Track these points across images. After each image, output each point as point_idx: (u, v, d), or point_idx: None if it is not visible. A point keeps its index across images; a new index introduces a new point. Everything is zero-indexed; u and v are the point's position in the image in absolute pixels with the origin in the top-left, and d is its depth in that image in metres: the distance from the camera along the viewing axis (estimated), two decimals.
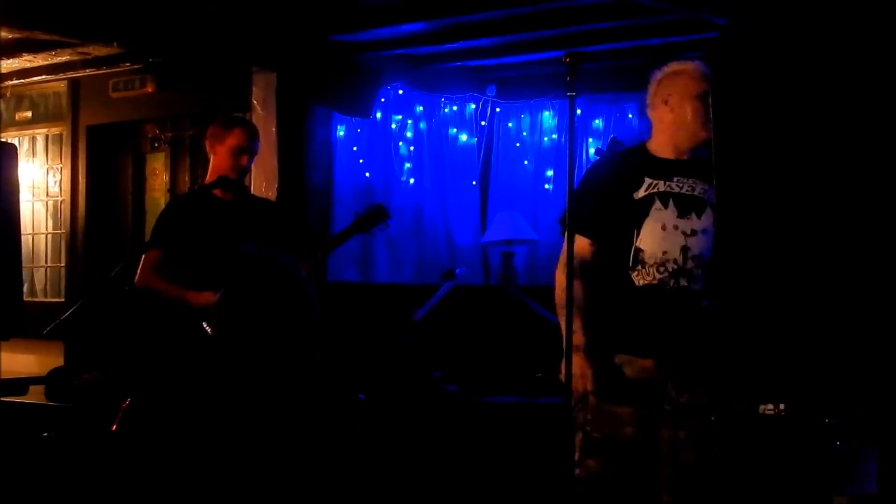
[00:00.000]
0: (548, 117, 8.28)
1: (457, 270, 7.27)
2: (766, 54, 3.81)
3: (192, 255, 5.34)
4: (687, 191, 4.09)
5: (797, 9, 3.81)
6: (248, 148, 5.42)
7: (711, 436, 3.92)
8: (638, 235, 4.09)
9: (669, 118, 4.20)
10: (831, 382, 3.66)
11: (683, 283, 4.03)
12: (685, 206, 4.08)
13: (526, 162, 8.32)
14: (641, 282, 4.08)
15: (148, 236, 5.88)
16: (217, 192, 5.39)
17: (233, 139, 5.39)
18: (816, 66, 3.70)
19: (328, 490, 3.10)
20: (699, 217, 4.06)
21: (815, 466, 3.71)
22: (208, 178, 5.51)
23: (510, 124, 8.40)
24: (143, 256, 5.35)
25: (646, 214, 4.09)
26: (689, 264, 4.03)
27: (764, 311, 3.72)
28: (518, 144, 8.36)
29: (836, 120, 3.67)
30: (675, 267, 4.03)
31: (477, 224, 8.38)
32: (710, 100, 4.08)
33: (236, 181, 5.45)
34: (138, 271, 5.34)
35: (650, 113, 4.28)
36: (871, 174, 3.60)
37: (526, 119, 8.37)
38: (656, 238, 4.06)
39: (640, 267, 4.08)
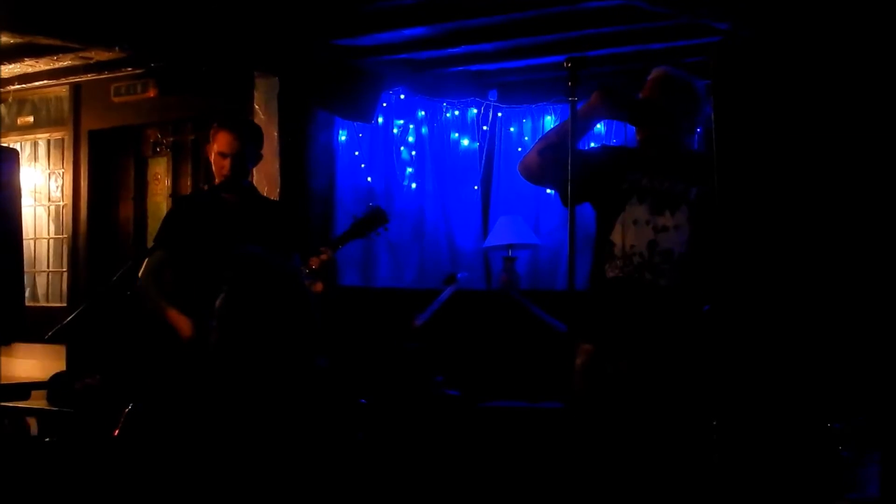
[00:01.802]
0: (549, 122, 8.28)
1: (458, 275, 7.26)
2: (766, 58, 3.82)
3: (193, 255, 5.33)
4: (667, 188, 4.13)
5: (797, 13, 3.82)
6: (231, 153, 5.24)
7: (694, 441, 3.94)
8: (612, 228, 4.17)
9: None
10: (833, 388, 3.66)
11: (648, 276, 4.08)
12: (661, 202, 4.13)
13: None
14: (610, 274, 4.15)
15: (150, 241, 5.87)
16: (222, 192, 5.35)
17: (217, 144, 5.30)
18: (817, 70, 3.70)
19: (330, 495, 3.10)
20: (673, 214, 4.11)
21: (817, 471, 3.71)
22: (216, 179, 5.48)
23: (512, 129, 8.40)
24: (147, 258, 5.35)
25: (622, 209, 4.17)
26: (656, 259, 4.09)
27: (765, 317, 3.72)
28: (520, 149, 8.34)
29: (836, 124, 3.68)
30: (641, 260, 4.09)
31: (479, 229, 8.38)
32: (652, 99, 4.17)
33: (232, 184, 5.32)
34: (140, 273, 5.34)
35: None
36: (872, 178, 3.61)
37: (528, 124, 8.36)
38: (626, 232, 4.14)
39: (610, 259, 4.16)
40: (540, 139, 4.24)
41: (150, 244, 5.67)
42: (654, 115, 4.18)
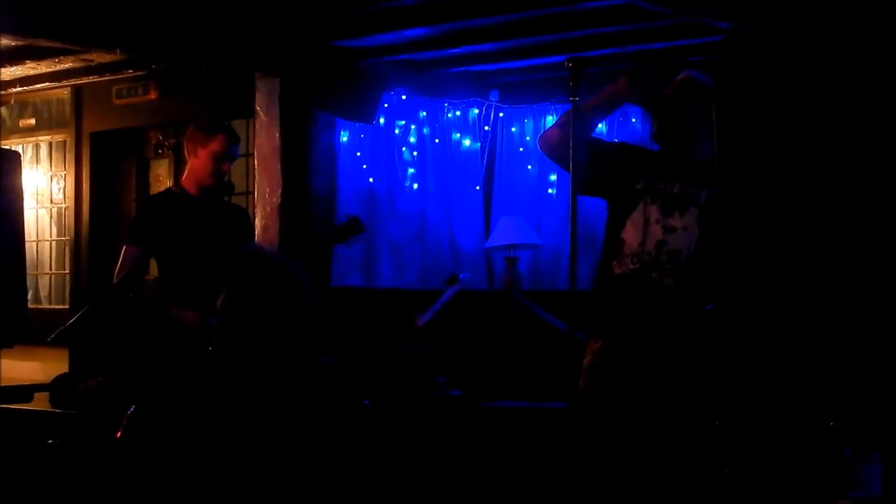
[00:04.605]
0: (551, 122, 8.27)
1: (460, 275, 7.26)
2: (768, 57, 3.82)
3: (173, 255, 5.38)
4: (679, 190, 4.17)
5: (799, 12, 3.82)
6: (229, 154, 5.47)
7: (697, 439, 3.96)
8: (623, 226, 4.21)
9: None
10: (835, 387, 3.66)
11: (654, 275, 4.12)
12: (671, 204, 4.18)
13: (529, 167, 8.32)
14: (618, 270, 4.20)
15: None
16: (192, 192, 5.44)
17: (215, 144, 5.41)
18: (818, 69, 3.70)
19: (332, 495, 3.10)
20: (682, 215, 4.15)
21: (819, 470, 3.71)
22: (185, 178, 5.55)
23: (513, 129, 8.40)
24: (122, 253, 5.41)
25: (634, 207, 4.21)
26: (663, 258, 4.13)
27: (766, 316, 3.72)
28: (521, 149, 8.35)
29: (838, 123, 3.67)
30: (648, 259, 4.13)
31: (480, 229, 8.38)
32: (675, 106, 4.21)
33: (213, 186, 5.47)
34: (118, 270, 5.37)
35: None
36: (873, 178, 3.61)
37: (529, 124, 8.36)
38: (637, 231, 4.19)
39: (619, 256, 4.20)
40: (563, 114, 4.26)
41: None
42: (675, 111, 4.21)
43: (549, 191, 8.25)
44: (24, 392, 6.81)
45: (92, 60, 7.81)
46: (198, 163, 5.46)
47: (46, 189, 9.56)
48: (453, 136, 8.37)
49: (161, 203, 5.60)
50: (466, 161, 8.38)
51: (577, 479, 4.04)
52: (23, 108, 9.56)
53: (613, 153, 4.38)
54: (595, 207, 4.51)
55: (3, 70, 7.89)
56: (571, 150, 3.84)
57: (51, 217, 9.56)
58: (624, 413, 4.10)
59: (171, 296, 5.35)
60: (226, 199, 5.78)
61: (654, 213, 4.18)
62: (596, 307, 4.24)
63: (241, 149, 5.96)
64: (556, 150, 4.24)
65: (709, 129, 4.22)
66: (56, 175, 9.48)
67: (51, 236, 9.56)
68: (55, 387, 7.32)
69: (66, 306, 9.16)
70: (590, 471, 4.10)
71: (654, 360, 4.08)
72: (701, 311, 4.08)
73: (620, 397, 4.11)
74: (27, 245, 6.50)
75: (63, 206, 9.40)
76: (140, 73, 8.23)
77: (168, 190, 5.92)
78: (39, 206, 9.57)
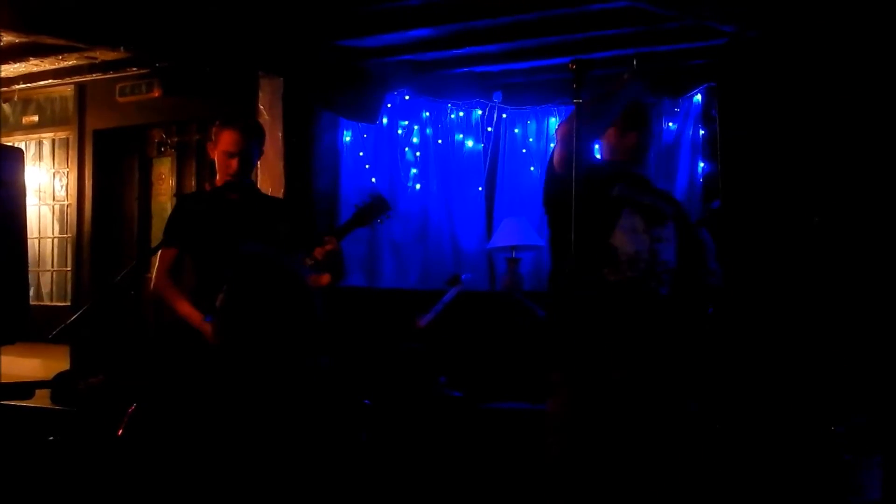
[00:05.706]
0: (554, 124, 8.27)
1: (462, 276, 7.26)
2: (771, 61, 3.82)
3: (197, 254, 5.35)
4: (651, 202, 4.19)
5: (802, 16, 3.82)
6: (238, 151, 5.25)
7: (695, 444, 3.96)
8: (611, 234, 4.15)
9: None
10: (835, 391, 3.66)
11: (653, 284, 4.09)
12: (652, 215, 4.17)
13: (532, 168, 8.32)
14: (613, 278, 4.12)
15: (154, 241, 5.88)
16: (225, 191, 5.37)
17: (222, 143, 5.34)
18: (821, 73, 3.71)
19: (334, 495, 3.11)
20: (663, 227, 4.14)
21: (819, 475, 3.71)
22: (218, 178, 5.50)
23: (516, 130, 8.40)
24: (158, 256, 5.34)
25: (618, 216, 4.16)
26: (659, 268, 4.10)
27: (767, 321, 3.72)
28: (524, 150, 8.36)
29: (841, 125, 3.68)
30: (646, 267, 4.11)
31: (483, 230, 8.38)
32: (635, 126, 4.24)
33: (235, 183, 5.38)
34: (154, 273, 5.31)
35: None
36: (875, 179, 3.61)
37: (532, 125, 8.37)
38: (628, 238, 4.15)
39: (612, 264, 4.14)
40: (563, 135, 4.23)
41: (153, 244, 5.65)
42: (642, 126, 4.25)
43: None
44: (26, 389, 6.81)
45: (95, 58, 7.81)
46: (216, 161, 5.44)
47: (49, 186, 9.57)
48: (456, 136, 8.38)
49: (189, 201, 5.55)
50: (469, 162, 8.39)
51: (576, 480, 4.03)
52: (26, 104, 9.57)
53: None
54: None
55: (7, 67, 7.90)
56: (575, 143, 3.81)
57: (53, 214, 9.56)
58: (622, 419, 4.08)
59: (195, 293, 5.29)
60: (262, 193, 5.68)
61: (639, 222, 4.17)
62: (594, 315, 4.17)
63: None
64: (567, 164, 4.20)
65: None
66: (59, 172, 9.48)
67: (53, 233, 9.57)
68: (56, 384, 7.31)
69: (68, 303, 9.17)
70: (589, 472, 4.09)
71: (654, 366, 4.07)
72: (692, 320, 4.08)
73: (619, 404, 4.09)
74: (29, 242, 6.50)
75: (65, 203, 9.41)
76: (144, 71, 8.24)
77: (202, 188, 5.87)
78: (42, 203, 9.58)
